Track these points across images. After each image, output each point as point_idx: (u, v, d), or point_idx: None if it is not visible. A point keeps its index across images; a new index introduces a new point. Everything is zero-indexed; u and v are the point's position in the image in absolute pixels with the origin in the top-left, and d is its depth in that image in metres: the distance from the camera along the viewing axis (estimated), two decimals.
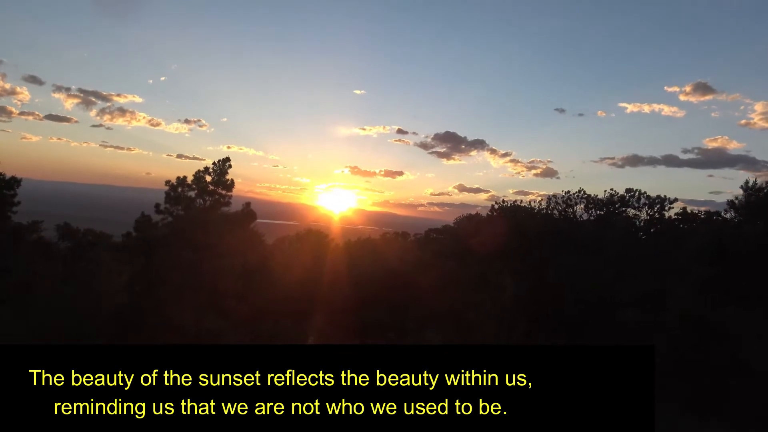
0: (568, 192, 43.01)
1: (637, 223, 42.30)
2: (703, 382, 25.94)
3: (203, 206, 32.53)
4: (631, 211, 41.53)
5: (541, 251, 35.61)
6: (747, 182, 28.70)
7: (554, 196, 43.24)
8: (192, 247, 30.92)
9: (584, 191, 42.58)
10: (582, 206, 42.93)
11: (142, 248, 31.69)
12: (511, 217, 42.58)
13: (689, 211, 41.58)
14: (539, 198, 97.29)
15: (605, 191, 42.81)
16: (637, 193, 41.09)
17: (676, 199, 41.03)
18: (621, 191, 42.04)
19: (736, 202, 27.64)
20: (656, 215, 40.83)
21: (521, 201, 46.47)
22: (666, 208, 40.94)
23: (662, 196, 40.92)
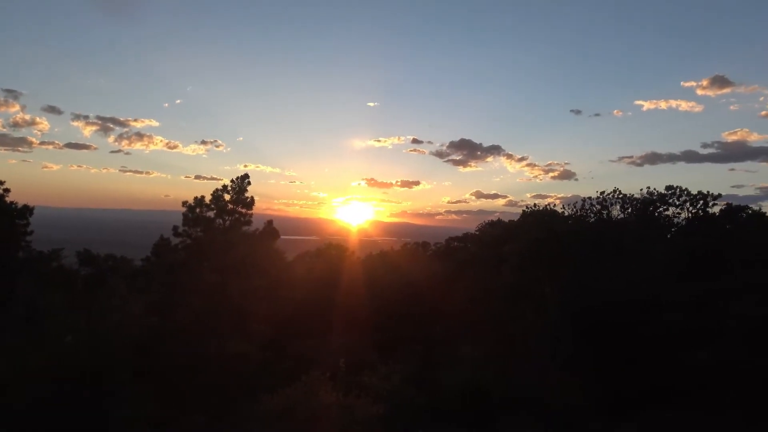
0: (603, 192, 40.90)
1: (678, 221, 40.03)
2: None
3: (223, 226, 31.03)
4: (672, 209, 39.26)
5: (581, 256, 33.51)
6: None
7: (589, 198, 41.07)
8: (215, 269, 29.40)
9: (620, 191, 40.47)
10: (618, 207, 40.75)
11: (162, 273, 30.29)
12: (543, 222, 40.58)
13: (733, 206, 39.24)
14: (557, 201, 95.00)
15: (641, 190, 40.71)
16: (677, 190, 38.85)
17: (719, 195, 38.76)
18: (659, 188, 39.94)
19: None
20: (700, 213, 38.51)
21: (552, 204, 44.54)
22: (709, 204, 38.63)
23: (705, 192, 38.68)
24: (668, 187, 39.28)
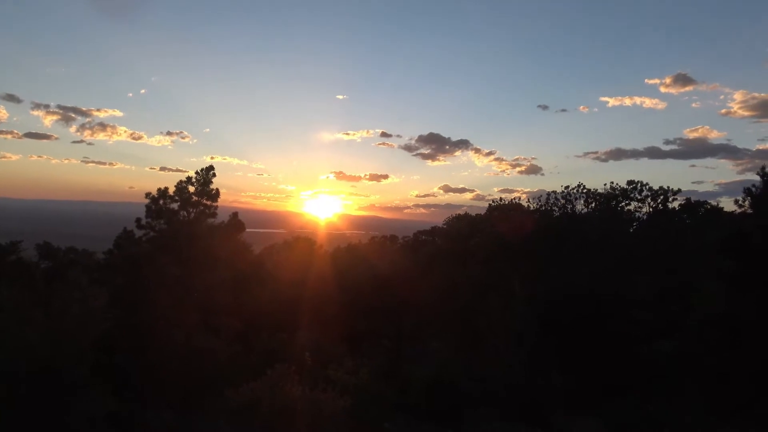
0: (567, 187, 41.59)
1: (640, 215, 40.97)
2: (731, 384, 24.45)
3: (187, 218, 30.54)
4: (634, 204, 40.16)
5: (547, 250, 34.04)
6: (765, 168, 26.71)
7: (553, 192, 41.72)
8: (179, 262, 28.93)
9: (584, 185, 41.19)
10: (582, 201, 41.50)
11: (124, 266, 29.68)
12: (510, 216, 41.07)
13: (693, 201, 40.39)
14: (523, 195, 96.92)
15: (605, 185, 41.51)
16: (639, 185, 39.75)
17: (679, 190, 39.79)
18: (622, 184, 40.76)
19: (754, 189, 25.85)
20: (660, 207, 39.49)
21: (518, 199, 45.17)
22: (669, 199, 39.64)
23: (665, 187, 39.67)
24: (630, 182, 40.18)
